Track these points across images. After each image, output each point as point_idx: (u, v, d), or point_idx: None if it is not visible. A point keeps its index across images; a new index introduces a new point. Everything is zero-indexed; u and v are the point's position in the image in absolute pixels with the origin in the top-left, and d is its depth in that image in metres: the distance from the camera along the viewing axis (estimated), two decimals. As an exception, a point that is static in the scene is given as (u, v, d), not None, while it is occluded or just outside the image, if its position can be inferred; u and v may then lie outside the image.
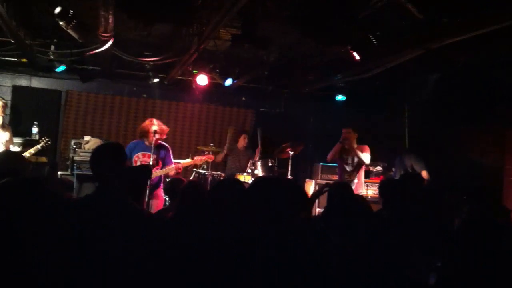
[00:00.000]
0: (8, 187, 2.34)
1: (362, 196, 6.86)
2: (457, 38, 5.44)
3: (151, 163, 6.52)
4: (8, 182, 2.40)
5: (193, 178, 8.46)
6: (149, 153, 6.66)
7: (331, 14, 5.25)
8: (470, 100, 8.08)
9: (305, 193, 2.92)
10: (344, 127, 7.93)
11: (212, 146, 8.53)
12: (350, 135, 7.77)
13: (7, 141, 6.55)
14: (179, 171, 6.96)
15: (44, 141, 7.08)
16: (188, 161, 7.31)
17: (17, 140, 7.53)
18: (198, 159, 7.41)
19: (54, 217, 2.42)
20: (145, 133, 6.75)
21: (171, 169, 6.84)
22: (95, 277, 2.65)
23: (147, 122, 6.89)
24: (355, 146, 7.79)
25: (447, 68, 7.77)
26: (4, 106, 6.66)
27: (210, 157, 7.61)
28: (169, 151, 6.99)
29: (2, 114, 6.58)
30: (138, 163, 6.64)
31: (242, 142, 9.28)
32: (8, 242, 2.19)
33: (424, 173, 7.89)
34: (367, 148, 7.81)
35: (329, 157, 7.92)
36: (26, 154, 6.49)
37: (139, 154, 6.72)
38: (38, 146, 6.90)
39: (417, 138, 9.60)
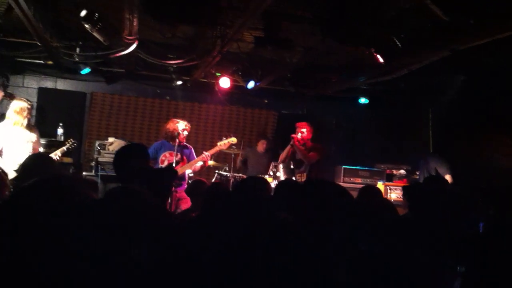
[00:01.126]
0: (39, 185, 2.37)
1: (389, 200, 6.79)
2: (483, 40, 5.37)
3: (174, 161, 6.60)
4: (39, 181, 2.43)
5: (215, 180, 8.48)
6: (174, 151, 6.79)
7: (354, 15, 5.22)
8: (495, 102, 7.97)
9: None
10: (301, 122, 7.83)
11: (234, 148, 8.54)
12: (305, 132, 7.59)
13: (34, 142, 6.62)
14: (208, 159, 7.11)
15: (70, 142, 7.15)
16: (215, 149, 7.33)
17: (42, 141, 7.62)
18: (222, 143, 7.40)
19: (79, 217, 2.44)
20: (173, 134, 6.83)
21: (198, 160, 7.00)
22: (111, 279, 2.67)
23: (171, 123, 6.98)
24: (309, 144, 7.63)
25: (472, 69, 7.67)
26: (30, 109, 6.73)
27: (233, 140, 7.57)
28: (192, 150, 7.18)
29: (28, 116, 6.65)
30: (166, 162, 6.73)
31: (260, 147, 9.28)
32: (33, 241, 2.21)
33: (448, 177, 7.79)
34: (319, 148, 7.62)
35: (280, 159, 7.83)
36: (52, 155, 6.55)
37: (166, 154, 6.82)
38: (64, 148, 6.96)
39: (442, 141, 9.50)
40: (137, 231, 2.86)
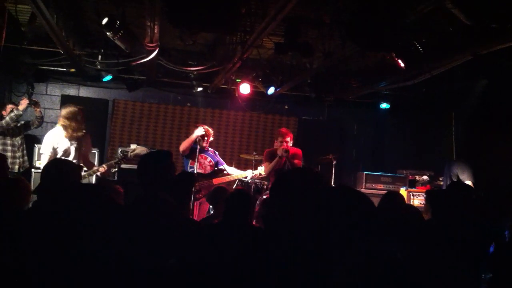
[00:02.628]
0: (72, 191, 2.39)
1: (413, 206, 6.67)
2: (506, 44, 5.30)
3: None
4: (71, 187, 2.46)
5: (236, 186, 8.48)
6: (204, 155, 7.03)
7: (375, 20, 5.19)
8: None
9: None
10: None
11: (255, 154, 8.52)
12: (290, 141, 7.07)
13: (83, 147, 6.34)
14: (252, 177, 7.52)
15: (120, 156, 7.08)
16: (257, 172, 7.57)
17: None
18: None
19: (107, 221, 2.46)
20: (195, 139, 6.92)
21: (243, 175, 7.48)
22: (137, 282, 2.68)
23: (193, 128, 7.11)
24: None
25: (495, 74, 7.56)
26: (81, 113, 6.27)
27: None
28: (217, 154, 7.38)
29: (80, 121, 6.28)
30: (197, 165, 6.86)
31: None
32: (59, 246, 2.23)
33: (469, 183, 7.63)
34: (300, 153, 7.18)
35: (266, 171, 7.21)
36: (101, 168, 6.46)
37: (198, 156, 6.89)
38: (112, 162, 6.91)
39: (465, 146, 9.37)
40: (163, 239, 2.88)
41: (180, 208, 3.60)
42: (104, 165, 6.50)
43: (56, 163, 4.06)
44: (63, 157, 6.06)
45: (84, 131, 6.35)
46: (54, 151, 6.12)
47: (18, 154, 8.14)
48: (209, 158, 7.06)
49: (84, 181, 6.26)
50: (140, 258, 2.70)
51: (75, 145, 6.26)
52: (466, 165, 7.86)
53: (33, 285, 2.16)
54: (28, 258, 2.30)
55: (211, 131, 7.20)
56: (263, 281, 2.52)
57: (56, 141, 6.13)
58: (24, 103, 7.89)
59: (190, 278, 2.87)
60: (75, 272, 2.21)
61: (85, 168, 6.29)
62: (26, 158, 8.30)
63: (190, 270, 2.90)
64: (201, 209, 6.81)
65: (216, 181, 6.99)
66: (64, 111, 6.27)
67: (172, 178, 3.58)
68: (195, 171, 6.75)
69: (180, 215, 3.27)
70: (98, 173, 6.39)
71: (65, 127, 6.19)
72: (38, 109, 8.19)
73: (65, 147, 6.18)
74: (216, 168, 7.18)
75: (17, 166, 8.08)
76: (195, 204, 6.70)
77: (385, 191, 6.70)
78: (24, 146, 8.30)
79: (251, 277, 2.73)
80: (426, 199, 4.62)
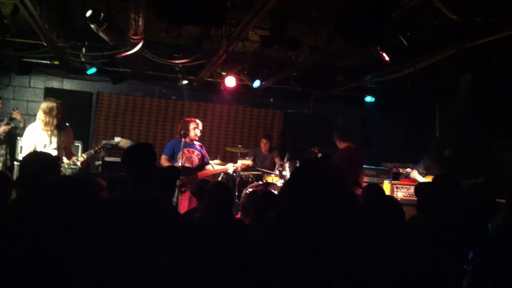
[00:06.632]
0: (58, 185, 2.36)
1: (394, 198, 6.73)
2: (490, 38, 5.34)
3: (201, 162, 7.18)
4: (57, 180, 2.42)
5: (221, 179, 8.47)
6: (191, 149, 7.12)
7: (361, 14, 5.20)
8: (504, 100, 7.91)
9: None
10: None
11: (240, 147, 8.54)
12: None
13: (65, 141, 6.25)
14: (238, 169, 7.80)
15: (99, 146, 6.99)
16: (237, 165, 7.79)
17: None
18: (243, 163, 7.82)
19: (97, 216, 2.43)
20: (187, 132, 7.09)
21: (225, 169, 7.71)
22: (129, 276, 2.68)
23: (185, 122, 7.16)
24: None
25: (480, 68, 7.62)
26: (60, 107, 6.23)
27: (249, 163, 7.95)
28: (203, 147, 7.46)
29: (59, 116, 6.21)
30: (184, 159, 6.99)
31: (262, 147, 9.24)
32: (54, 239, 2.20)
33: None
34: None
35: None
36: (80, 158, 6.39)
37: (185, 150, 7.01)
38: (92, 151, 6.83)
39: (449, 140, 9.45)
40: (160, 233, 2.88)
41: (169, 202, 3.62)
42: (83, 155, 6.44)
43: (32, 156, 4.00)
44: (42, 150, 6.01)
45: (53, 126, 6.19)
46: (34, 144, 6.10)
47: (2, 152, 8.09)
48: (196, 152, 7.13)
49: (67, 172, 6.27)
50: (133, 256, 2.69)
51: (55, 137, 6.20)
52: (433, 162, 7.77)
53: (17, 282, 2.13)
54: (11, 254, 2.27)
55: (200, 124, 7.32)
56: (245, 275, 2.53)
57: (34, 135, 6.11)
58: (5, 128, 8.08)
59: (178, 274, 2.88)
60: (62, 269, 2.19)
61: (66, 160, 6.24)
62: (9, 156, 8.27)
63: (179, 266, 2.91)
64: (191, 203, 6.79)
65: (201, 174, 7.02)
66: (42, 105, 6.25)
67: (157, 171, 3.59)
68: (180, 164, 6.77)
69: (170, 211, 3.28)
70: (78, 163, 6.33)
71: (41, 121, 6.15)
72: (19, 117, 8.35)
73: (43, 140, 6.12)
74: (203, 161, 7.26)
75: (0, 164, 8.02)
76: (184, 197, 6.72)
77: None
78: (7, 144, 8.26)
79: (232, 270, 2.73)
80: (415, 193, 4.65)
